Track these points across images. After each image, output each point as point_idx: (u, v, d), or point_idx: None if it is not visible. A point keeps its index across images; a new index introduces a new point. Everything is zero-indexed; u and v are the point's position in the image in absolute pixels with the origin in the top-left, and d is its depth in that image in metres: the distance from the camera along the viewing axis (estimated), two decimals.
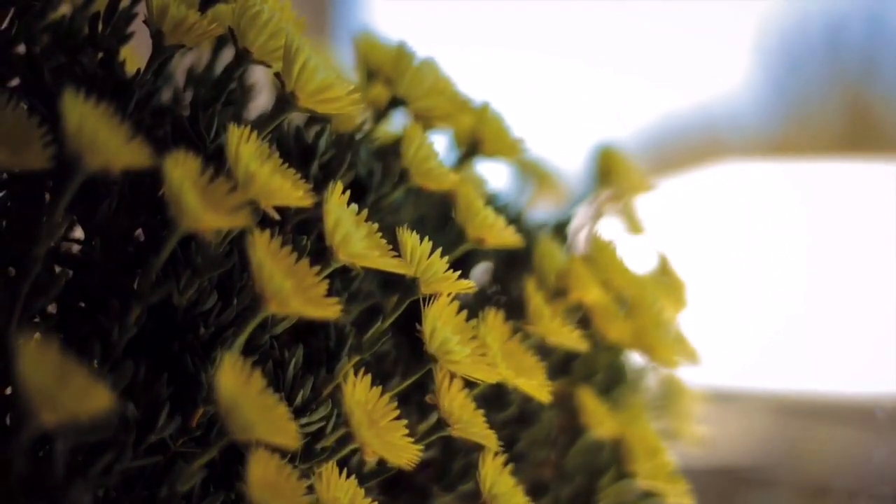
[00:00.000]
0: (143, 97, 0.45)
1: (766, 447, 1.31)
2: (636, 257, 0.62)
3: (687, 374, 0.70)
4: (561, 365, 0.59)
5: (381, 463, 0.45)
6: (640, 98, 1.94)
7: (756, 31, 2.01)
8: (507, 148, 0.57)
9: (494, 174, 0.65)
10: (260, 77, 0.53)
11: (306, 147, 0.48)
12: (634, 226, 0.72)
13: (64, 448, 0.37)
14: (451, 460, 0.53)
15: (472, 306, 0.47)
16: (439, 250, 0.45)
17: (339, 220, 0.42)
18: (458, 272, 0.45)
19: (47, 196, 0.42)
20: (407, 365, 0.50)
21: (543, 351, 0.51)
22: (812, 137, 1.96)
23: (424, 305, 0.44)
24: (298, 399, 0.44)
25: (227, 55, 0.50)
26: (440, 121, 0.55)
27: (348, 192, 0.43)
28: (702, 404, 0.72)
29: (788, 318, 1.50)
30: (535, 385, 0.47)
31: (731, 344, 1.38)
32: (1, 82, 0.45)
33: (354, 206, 0.43)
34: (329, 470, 0.42)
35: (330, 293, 0.40)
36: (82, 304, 0.44)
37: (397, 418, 0.43)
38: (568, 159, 0.82)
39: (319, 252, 0.42)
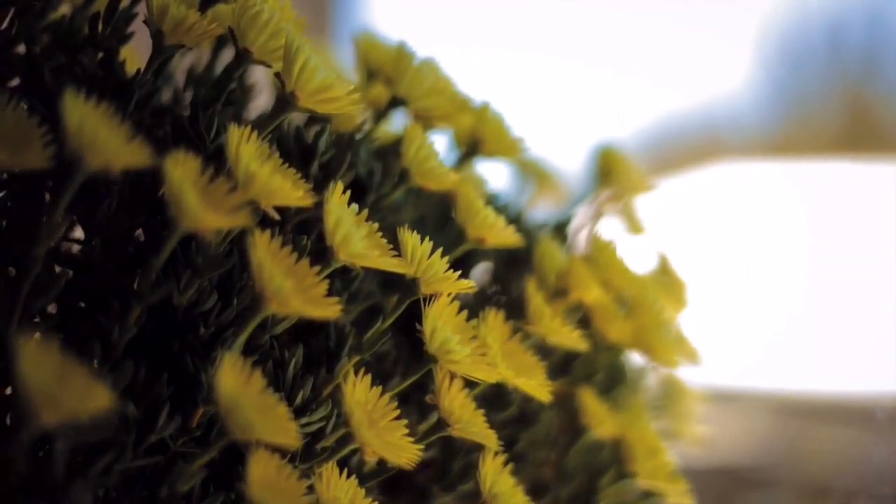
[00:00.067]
0: (143, 97, 0.45)
1: (766, 447, 1.31)
2: (636, 257, 0.62)
3: (687, 374, 0.70)
4: (561, 365, 0.59)
5: (381, 463, 0.45)
6: (640, 98, 1.94)
7: (757, 30, 2.01)
8: (507, 148, 0.57)
9: (494, 174, 0.65)
10: (260, 77, 0.53)
11: (306, 147, 0.48)
12: (634, 226, 0.72)
13: (64, 448, 0.37)
14: (451, 460, 0.53)
15: (473, 306, 0.47)
16: (439, 250, 0.45)
17: (339, 220, 0.42)
18: (459, 272, 0.45)
19: (47, 196, 0.42)
20: (407, 365, 0.50)
21: (543, 351, 0.51)
22: (812, 137, 1.96)
23: (425, 305, 0.44)
24: (298, 399, 0.44)
25: (227, 55, 0.50)
26: (440, 121, 0.55)
27: (348, 192, 0.43)
28: (702, 404, 0.72)
29: (788, 318, 1.50)
30: (535, 385, 0.47)
31: (731, 344, 1.38)
32: (1, 82, 0.45)
33: (355, 206, 0.43)
34: (329, 470, 0.42)
35: (330, 293, 0.40)
36: (82, 304, 0.44)
37: (397, 418, 0.43)
38: (568, 159, 0.82)
39: (319, 252, 0.42)
